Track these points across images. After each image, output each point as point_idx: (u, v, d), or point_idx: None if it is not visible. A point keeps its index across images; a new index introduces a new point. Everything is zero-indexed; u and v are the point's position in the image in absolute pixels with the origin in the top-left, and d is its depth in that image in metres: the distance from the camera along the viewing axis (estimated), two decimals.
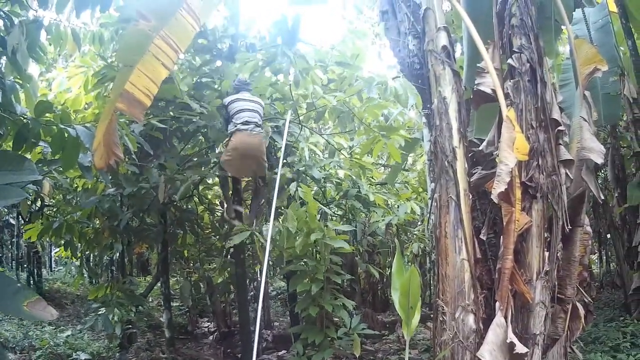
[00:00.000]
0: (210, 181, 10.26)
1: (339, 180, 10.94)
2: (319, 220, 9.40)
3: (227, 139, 8.95)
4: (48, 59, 11.24)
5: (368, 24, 18.69)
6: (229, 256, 12.45)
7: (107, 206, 9.77)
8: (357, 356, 9.43)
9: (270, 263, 13.05)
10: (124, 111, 5.11)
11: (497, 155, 4.63)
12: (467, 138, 5.04)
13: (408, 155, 12.21)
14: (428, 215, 11.54)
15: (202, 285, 13.83)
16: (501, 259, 4.47)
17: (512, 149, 4.40)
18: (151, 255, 15.81)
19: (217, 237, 13.09)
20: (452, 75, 5.19)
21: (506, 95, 4.82)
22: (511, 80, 4.96)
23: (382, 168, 14.03)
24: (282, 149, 8.15)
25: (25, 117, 5.66)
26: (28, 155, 7.50)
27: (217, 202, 12.83)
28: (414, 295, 4.37)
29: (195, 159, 10.46)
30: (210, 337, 14.97)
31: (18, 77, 6.24)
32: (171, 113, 9.70)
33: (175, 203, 11.05)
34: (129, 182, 9.34)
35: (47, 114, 5.78)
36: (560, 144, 5.01)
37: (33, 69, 8.07)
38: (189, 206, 12.23)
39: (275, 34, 8.81)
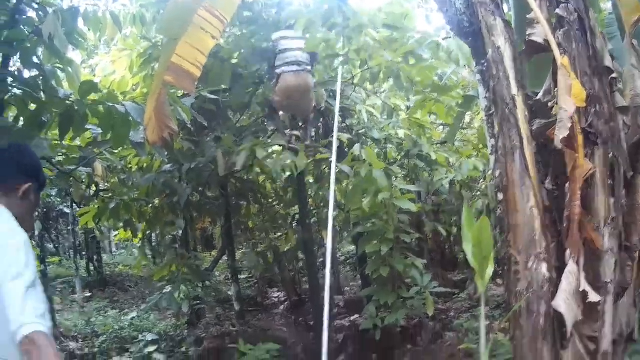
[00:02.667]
0: (270, 150, 10.14)
1: (399, 141, 10.79)
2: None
3: (275, 81, 8.81)
4: (89, 45, 11.11)
5: None
6: (294, 223, 12.39)
7: (163, 181, 9.65)
8: (430, 315, 9.36)
9: (337, 228, 12.89)
10: (173, 84, 5.03)
11: (556, 104, 4.47)
12: (524, 87, 4.86)
13: (465, 113, 11.97)
14: (490, 171, 11.36)
15: (269, 255, 13.64)
16: (569, 206, 4.29)
17: (569, 95, 4.24)
18: (214, 229, 15.83)
19: (281, 205, 13.09)
20: (503, 25, 5.00)
21: (558, 45, 4.61)
22: (561, 30, 4.72)
23: (441, 127, 13.81)
24: (337, 101, 8.00)
25: (70, 99, 5.50)
26: (78, 141, 7.54)
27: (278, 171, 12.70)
28: (486, 245, 4.20)
29: (253, 129, 10.29)
30: (281, 307, 14.94)
31: (58, 63, 6.11)
32: (223, 86, 9.59)
33: (235, 174, 10.96)
34: (185, 157, 9.27)
35: (92, 95, 5.61)
36: (615, 92, 4.78)
37: (75, 57, 8.03)
38: (250, 176, 12.05)
39: None
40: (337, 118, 7.39)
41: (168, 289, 10.29)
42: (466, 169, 11.10)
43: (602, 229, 4.34)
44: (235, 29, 10.03)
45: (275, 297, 16.25)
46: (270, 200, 13.25)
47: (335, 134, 7.23)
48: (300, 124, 9.54)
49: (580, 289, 4.07)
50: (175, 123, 5.53)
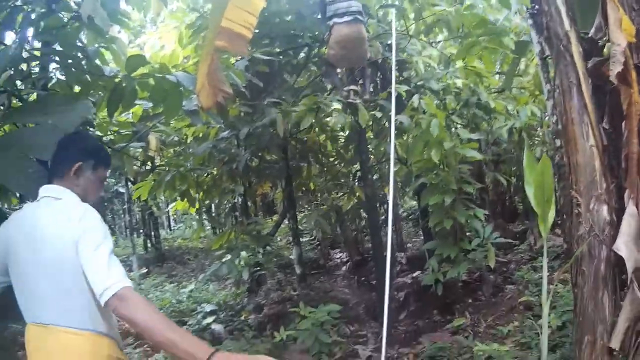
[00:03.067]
0: (329, 109, 10.11)
1: (457, 90, 10.71)
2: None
3: (327, 33, 8.70)
4: (135, 25, 11.12)
5: None
6: (356, 180, 12.36)
7: (221, 148, 9.70)
8: (492, 267, 9.32)
9: (399, 182, 12.83)
10: (225, 48, 4.98)
11: (607, 41, 4.46)
12: (576, 23, 4.80)
13: (520, 59, 11.83)
14: (547, 117, 11.23)
15: (332, 215, 13.44)
16: (626, 145, 4.25)
17: (620, 29, 4.21)
18: (275, 194, 15.85)
19: (342, 163, 13.04)
20: None
21: None
22: None
23: (497, 75, 13.66)
24: (394, 53, 7.94)
25: (117, 76, 5.49)
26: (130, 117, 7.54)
27: (338, 128, 12.65)
28: (548, 187, 4.23)
29: (311, 89, 10.23)
30: (343, 268, 14.94)
31: (102, 43, 6.12)
32: (277, 49, 9.55)
33: (295, 135, 11.00)
34: (242, 122, 9.23)
35: (141, 69, 5.55)
36: None
37: (122, 38, 8.02)
38: (310, 137, 12.01)
39: None
40: (394, 70, 7.32)
41: (228, 257, 10.31)
42: (524, 115, 11.00)
43: None
44: None
45: (338, 258, 16.27)
46: (332, 160, 13.18)
47: (394, 86, 7.19)
48: (358, 79, 9.49)
49: None
50: (229, 87, 5.51)
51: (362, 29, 8.53)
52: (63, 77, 5.62)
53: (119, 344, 3.38)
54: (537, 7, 7.26)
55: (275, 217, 17.01)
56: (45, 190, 3.36)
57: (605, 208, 4.24)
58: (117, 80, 5.42)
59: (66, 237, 3.10)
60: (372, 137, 11.35)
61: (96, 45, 5.93)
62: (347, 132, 11.79)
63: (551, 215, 4.42)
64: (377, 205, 10.45)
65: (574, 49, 4.60)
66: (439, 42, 11.85)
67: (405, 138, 10.21)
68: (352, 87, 9.05)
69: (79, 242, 3.07)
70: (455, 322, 8.91)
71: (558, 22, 4.71)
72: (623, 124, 4.35)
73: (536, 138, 13.92)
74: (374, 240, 9.83)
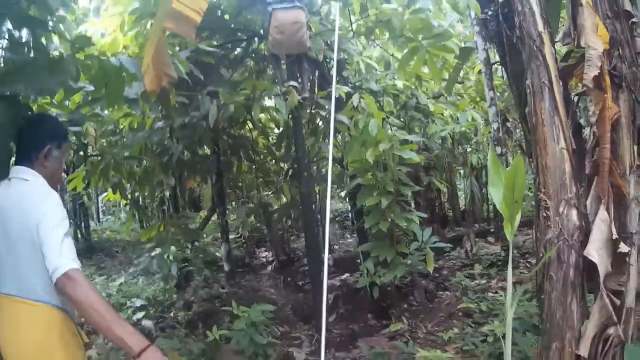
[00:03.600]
0: (265, 104, 9.95)
1: (396, 92, 10.59)
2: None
3: (268, 21, 8.58)
4: (78, 12, 10.74)
5: None
6: (288, 178, 12.18)
7: (157, 139, 9.47)
8: (430, 272, 9.25)
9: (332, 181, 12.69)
10: (173, 30, 4.79)
11: (575, 47, 4.55)
12: (549, 25, 4.72)
13: (462, 66, 11.84)
14: (491, 123, 11.26)
15: (260, 213, 13.35)
16: (598, 149, 4.25)
17: (596, 34, 4.24)
18: (202, 190, 15.58)
19: (273, 161, 12.89)
20: None
21: None
22: None
23: (432, 81, 13.68)
24: (335, 50, 7.82)
25: (61, 54, 5.21)
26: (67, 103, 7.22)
27: (272, 125, 12.46)
28: (519, 187, 4.10)
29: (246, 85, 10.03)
30: (269, 267, 14.79)
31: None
32: (215, 42, 9.37)
33: (227, 130, 10.80)
34: (178, 112, 8.95)
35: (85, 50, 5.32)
36: (636, 36, 4.68)
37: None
38: (242, 132, 11.94)
39: None
40: (334, 67, 7.23)
41: (157, 250, 10.12)
42: (464, 120, 10.98)
43: (628, 175, 4.27)
44: None
45: (263, 257, 16.22)
46: (262, 157, 12.94)
47: (334, 84, 7.06)
48: (297, 76, 9.32)
49: (614, 237, 3.98)
50: (174, 71, 5.27)
51: (301, 15, 8.44)
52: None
53: (72, 317, 3.69)
54: (489, 12, 7.28)
55: (201, 213, 16.76)
56: (16, 171, 3.73)
57: (574, 212, 4.21)
58: (57, 58, 5.09)
59: (29, 218, 3.47)
60: (307, 135, 11.19)
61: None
62: (281, 129, 11.59)
63: (518, 217, 4.28)
64: (312, 205, 10.24)
65: (547, 50, 4.58)
66: (381, 42, 11.71)
67: (340, 138, 10.04)
68: (292, 83, 8.90)
69: (39, 223, 3.42)
70: (392, 327, 8.75)
71: (531, 23, 4.70)
72: (592, 129, 4.35)
73: (471, 145, 13.99)
74: (309, 237, 9.59)
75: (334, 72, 7.10)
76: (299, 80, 9.10)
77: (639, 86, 4.46)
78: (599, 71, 4.12)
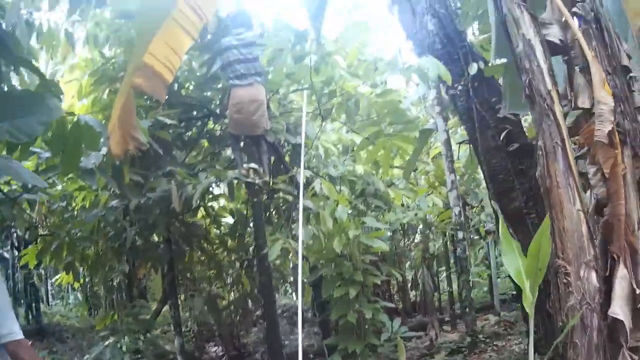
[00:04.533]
0: (216, 191, 9.62)
1: (353, 179, 10.32)
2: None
3: (226, 97, 8.49)
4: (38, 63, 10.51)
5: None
6: (242, 267, 11.78)
7: (111, 220, 9.04)
8: None
9: (286, 274, 12.34)
10: (142, 87, 4.44)
11: (572, 109, 4.45)
12: (556, 84, 4.55)
13: (422, 149, 11.73)
14: (452, 207, 11.10)
15: (212, 305, 12.74)
16: (611, 207, 4.06)
17: (604, 89, 4.14)
18: (149, 278, 15.13)
19: (226, 251, 12.44)
20: (529, 18, 4.72)
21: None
22: (580, 28, 4.54)
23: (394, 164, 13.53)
24: (302, 133, 7.63)
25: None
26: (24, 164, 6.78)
27: (225, 214, 12.14)
28: (544, 254, 3.94)
29: (201, 166, 9.68)
30: None
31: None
32: (168, 121, 8.93)
33: (180, 217, 10.34)
34: (133, 192, 8.55)
35: None
36: (634, 91, 4.58)
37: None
38: (195, 220, 11.57)
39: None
40: (302, 151, 7.03)
41: (111, 339, 9.69)
42: (425, 206, 10.77)
43: (637, 231, 4.13)
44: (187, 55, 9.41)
45: (213, 352, 15.40)
46: (214, 246, 12.57)
47: (302, 168, 6.86)
48: (256, 156, 8.99)
49: (637, 292, 3.88)
50: (142, 134, 4.88)
51: (260, 92, 8.39)
52: None
53: None
54: (459, 86, 7.10)
55: (151, 303, 16.27)
56: None
57: (594, 275, 4.00)
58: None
59: None
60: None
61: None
62: (235, 218, 11.26)
63: (535, 289, 4.17)
64: (273, 294, 9.82)
65: (557, 108, 4.43)
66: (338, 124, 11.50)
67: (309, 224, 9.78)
68: (252, 165, 8.58)
69: None
70: None
71: (540, 80, 4.53)
72: (594, 189, 4.26)
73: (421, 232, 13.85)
74: (271, 331, 9.28)
75: (302, 155, 6.90)
76: (258, 164, 8.79)
77: (639, 141, 4.37)
78: (612, 126, 3.99)
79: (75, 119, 4.90)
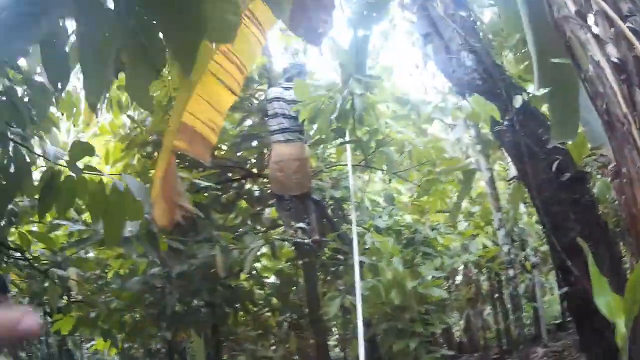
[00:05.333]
0: (259, 252, 9.28)
1: (400, 228, 9.94)
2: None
3: (268, 154, 8.30)
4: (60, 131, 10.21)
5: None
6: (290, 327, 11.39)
7: (150, 289, 8.78)
8: None
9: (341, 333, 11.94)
10: (185, 150, 4.08)
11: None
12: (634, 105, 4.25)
13: (468, 191, 11.38)
14: (501, 246, 10.74)
15: None
16: None
17: None
18: (189, 340, 14.76)
19: (271, 312, 12.00)
20: (595, 40, 4.33)
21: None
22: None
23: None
24: (351, 185, 7.27)
25: (58, 162, 4.45)
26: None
27: (268, 274, 11.75)
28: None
29: (243, 229, 9.33)
30: None
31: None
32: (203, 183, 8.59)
33: (223, 280, 9.92)
34: (172, 259, 8.17)
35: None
36: None
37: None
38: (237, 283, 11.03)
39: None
40: (353, 209, 6.69)
41: None
42: (474, 248, 10.42)
43: None
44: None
45: None
46: (259, 308, 12.04)
47: (354, 224, 6.48)
48: (305, 217, 8.59)
49: None
50: (189, 202, 4.48)
51: (303, 150, 8.07)
52: None
53: None
54: (505, 122, 6.84)
55: None
56: None
57: None
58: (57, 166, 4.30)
59: None
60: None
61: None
62: (280, 279, 10.91)
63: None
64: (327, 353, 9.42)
65: (635, 132, 3.98)
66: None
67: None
68: (300, 224, 8.19)
69: None
70: None
71: (616, 104, 4.12)
72: None
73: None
74: None
75: (353, 210, 6.52)
76: (307, 222, 8.39)
77: None
78: None
79: (112, 183, 4.47)
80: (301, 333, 11.13)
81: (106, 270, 9.53)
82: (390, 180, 10.55)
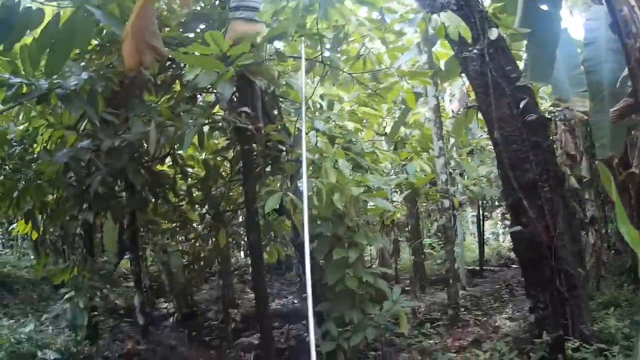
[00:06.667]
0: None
1: (337, 135, 9.67)
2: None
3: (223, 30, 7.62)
4: None
5: None
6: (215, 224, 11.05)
7: (75, 164, 8.16)
8: (406, 334, 8.73)
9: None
10: None
11: None
12: None
13: (409, 111, 11.28)
14: (439, 175, 10.67)
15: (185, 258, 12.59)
16: None
17: None
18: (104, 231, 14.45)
19: (190, 204, 11.65)
20: None
21: None
22: None
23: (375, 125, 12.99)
24: (302, 80, 6.98)
25: None
26: None
27: (192, 163, 11.39)
28: None
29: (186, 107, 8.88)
30: (171, 319, 13.86)
31: None
32: None
33: (145, 164, 9.65)
34: (104, 133, 7.76)
35: None
36: None
37: None
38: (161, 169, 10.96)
39: None
40: (303, 101, 6.94)
41: (72, 297, 9.13)
42: (412, 171, 10.24)
43: None
44: None
45: (164, 309, 15.18)
46: (181, 199, 11.59)
47: (304, 117, 6.60)
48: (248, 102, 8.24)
49: None
50: (161, 44, 4.10)
51: (262, 28, 7.61)
52: None
53: None
54: (474, 51, 6.94)
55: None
56: None
57: None
58: None
59: None
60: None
61: None
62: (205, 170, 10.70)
63: None
64: (261, 254, 9.07)
65: None
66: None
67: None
68: (245, 109, 7.82)
69: None
70: None
71: None
72: None
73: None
74: (259, 292, 8.50)
75: (302, 104, 6.92)
76: (250, 109, 8.01)
77: None
78: None
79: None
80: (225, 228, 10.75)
81: (34, 144, 9.23)
82: (333, 84, 10.25)
